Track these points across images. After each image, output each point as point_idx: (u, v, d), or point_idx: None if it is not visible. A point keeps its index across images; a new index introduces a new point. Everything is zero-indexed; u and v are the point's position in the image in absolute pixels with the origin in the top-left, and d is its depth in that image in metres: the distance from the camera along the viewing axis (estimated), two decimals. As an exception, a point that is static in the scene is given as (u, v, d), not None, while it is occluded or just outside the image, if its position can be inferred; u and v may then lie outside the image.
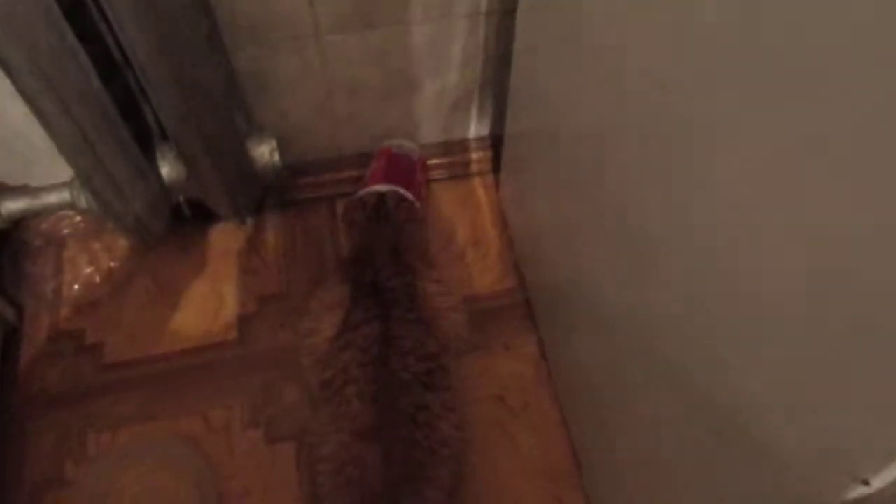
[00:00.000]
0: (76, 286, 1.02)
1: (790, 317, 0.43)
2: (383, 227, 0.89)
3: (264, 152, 0.92)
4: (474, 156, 1.16)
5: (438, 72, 1.01)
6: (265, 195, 1.01)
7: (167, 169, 0.90)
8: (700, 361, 0.56)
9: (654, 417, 0.68)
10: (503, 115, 1.11)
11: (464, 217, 1.12)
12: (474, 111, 1.10)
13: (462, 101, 1.08)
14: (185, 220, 1.02)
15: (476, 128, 1.14)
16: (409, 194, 0.96)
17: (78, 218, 1.03)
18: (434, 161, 1.14)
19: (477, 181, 1.16)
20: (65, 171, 0.90)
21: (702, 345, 0.55)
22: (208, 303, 1.02)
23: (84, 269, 1.02)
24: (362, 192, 0.97)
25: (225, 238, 1.08)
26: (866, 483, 0.38)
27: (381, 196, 0.92)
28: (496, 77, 1.05)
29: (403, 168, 1.06)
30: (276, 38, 0.90)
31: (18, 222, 0.99)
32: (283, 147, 0.96)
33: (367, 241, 0.88)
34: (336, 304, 0.83)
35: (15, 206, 0.91)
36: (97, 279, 1.02)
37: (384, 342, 0.77)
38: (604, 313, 0.79)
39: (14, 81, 0.67)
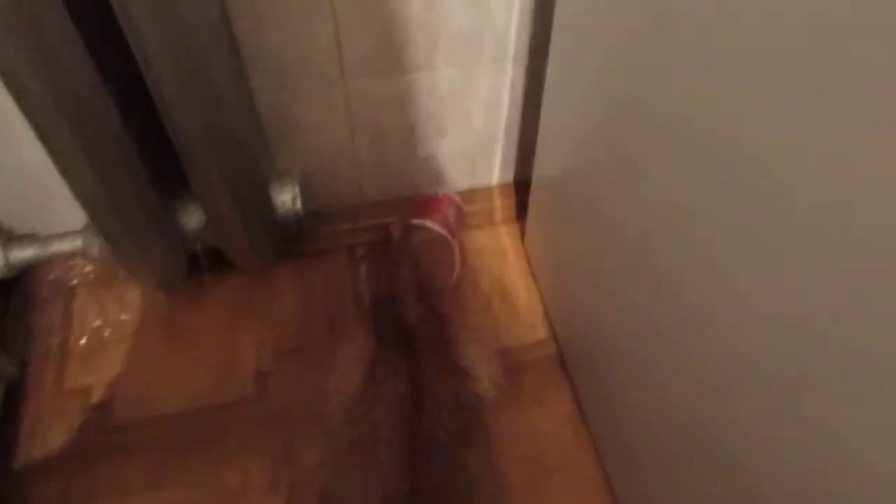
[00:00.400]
0: (84, 339, 0.97)
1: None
2: (408, 267, 0.84)
3: (286, 199, 0.88)
4: (498, 203, 1.12)
5: (464, 116, 0.99)
6: (284, 243, 0.97)
7: (186, 216, 0.87)
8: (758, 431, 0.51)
9: (702, 482, 0.63)
10: (528, 160, 1.09)
11: (489, 266, 1.07)
12: (499, 157, 1.08)
13: (487, 147, 1.05)
14: (201, 269, 0.98)
15: (500, 174, 1.11)
16: (440, 228, 0.92)
17: (88, 267, 0.99)
18: (458, 208, 1.11)
19: (502, 229, 1.13)
20: (76, 218, 0.86)
21: (758, 413, 0.50)
22: (224, 357, 0.96)
23: (93, 321, 0.97)
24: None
25: (242, 288, 1.03)
26: None
27: (410, 228, 0.88)
28: (522, 121, 1.02)
29: (438, 207, 1.03)
30: (302, 79, 0.88)
31: (26, 271, 0.94)
32: (303, 193, 0.92)
33: (391, 286, 0.83)
34: (361, 358, 0.78)
35: (23, 254, 0.86)
36: (106, 332, 0.97)
37: (416, 397, 0.72)
38: (642, 369, 0.74)
39: (32, 117, 0.63)
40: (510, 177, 1.12)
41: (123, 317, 0.99)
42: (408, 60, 0.89)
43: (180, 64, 0.65)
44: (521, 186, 1.13)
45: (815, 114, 0.39)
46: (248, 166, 0.79)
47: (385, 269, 0.85)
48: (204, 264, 0.93)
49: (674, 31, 0.54)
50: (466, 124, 1.00)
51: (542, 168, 0.95)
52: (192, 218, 0.86)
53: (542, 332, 1.00)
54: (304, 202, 0.90)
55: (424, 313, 0.79)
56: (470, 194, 1.11)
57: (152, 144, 0.79)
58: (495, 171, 1.10)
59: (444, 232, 0.94)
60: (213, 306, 1.01)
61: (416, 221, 0.92)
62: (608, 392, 0.85)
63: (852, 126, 0.37)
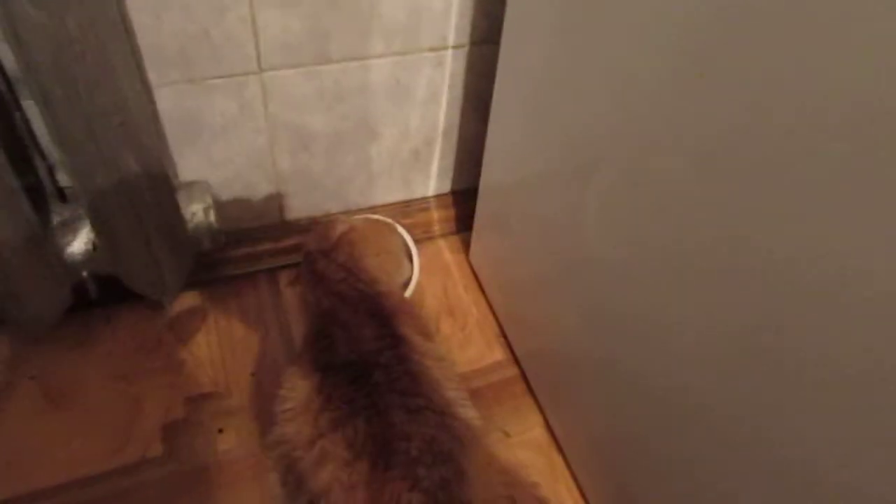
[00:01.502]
0: (-70, 404, 0.76)
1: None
2: (358, 279, 0.70)
3: (197, 210, 0.73)
4: (436, 215, 1.02)
5: (398, 116, 0.88)
6: (197, 268, 0.82)
7: (68, 236, 0.70)
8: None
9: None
10: (468, 167, 0.99)
11: (432, 284, 0.96)
12: (436, 163, 0.97)
13: (424, 152, 0.95)
14: (90, 302, 0.80)
15: (437, 183, 1.01)
16: (391, 221, 0.79)
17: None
18: (392, 223, 0.99)
19: (441, 243, 1.02)
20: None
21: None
22: (121, 411, 0.78)
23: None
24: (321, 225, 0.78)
25: (142, 325, 0.86)
26: None
27: (349, 230, 0.73)
28: (461, 121, 0.93)
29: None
30: (210, 70, 0.74)
31: None
32: (216, 205, 0.78)
33: (337, 304, 0.68)
34: (305, 404, 0.62)
35: None
36: (-38, 392, 0.77)
37: (379, 447, 0.57)
38: (616, 381, 0.66)
39: None
40: (447, 186, 1.02)
41: (-15, 371, 0.79)
42: (336, 48, 0.77)
43: (59, 40, 0.50)
44: (460, 196, 1.03)
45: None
46: (152, 172, 0.65)
47: (319, 286, 0.70)
48: (93, 295, 0.75)
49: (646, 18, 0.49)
50: (402, 125, 0.89)
51: (491, 174, 0.85)
52: (75, 236, 0.69)
53: (499, 353, 0.89)
54: (218, 215, 0.76)
55: (377, 336, 0.65)
56: (404, 207, 1.00)
57: (21, 145, 0.63)
58: (432, 179, 1.00)
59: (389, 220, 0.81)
60: (105, 348, 0.83)
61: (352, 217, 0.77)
62: (581, 414, 0.75)
63: None
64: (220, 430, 0.78)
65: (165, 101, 0.74)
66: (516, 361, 0.88)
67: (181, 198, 0.72)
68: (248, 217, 0.92)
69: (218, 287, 0.92)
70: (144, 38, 0.68)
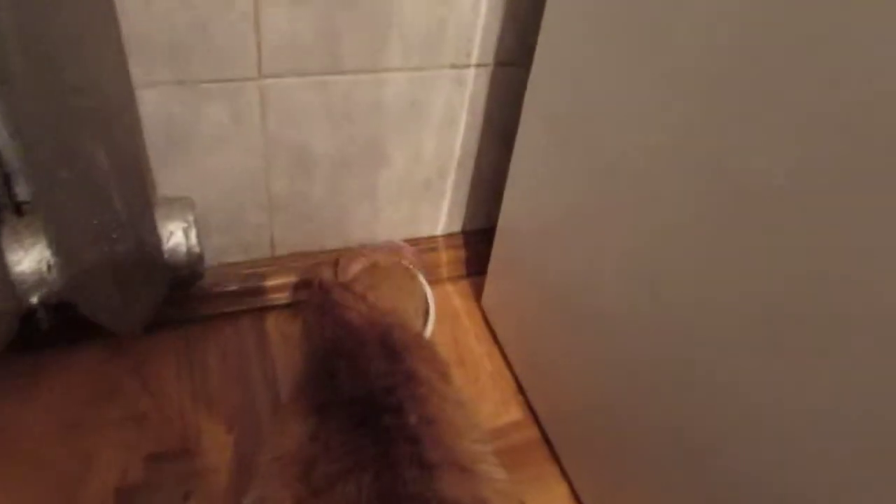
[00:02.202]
0: None
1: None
2: (371, 308, 0.59)
3: (175, 231, 0.63)
4: (444, 256, 0.91)
5: (411, 139, 0.79)
6: (168, 301, 0.70)
7: (18, 253, 0.58)
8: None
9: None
10: (482, 203, 0.90)
11: (441, 331, 0.85)
12: (447, 197, 0.88)
13: (435, 183, 0.85)
14: (39, 335, 0.67)
15: (447, 221, 0.91)
16: (406, 255, 0.70)
17: None
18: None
19: (449, 288, 0.91)
20: None
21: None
22: (66, 469, 0.65)
23: None
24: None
25: (100, 366, 0.73)
26: None
27: (372, 266, 0.65)
28: (479, 150, 0.84)
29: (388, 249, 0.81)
30: (205, 73, 0.65)
31: None
32: (199, 228, 0.67)
33: (343, 334, 0.57)
34: (296, 453, 0.51)
35: None
36: None
37: None
38: (656, 449, 0.56)
39: None
40: (458, 225, 0.93)
41: None
42: (348, 56, 0.69)
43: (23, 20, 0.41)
44: (471, 237, 0.93)
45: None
46: (123, 171, 0.54)
47: (326, 316, 0.60)
48: (44, 327, 0.63)
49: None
50: (415, 150, 0.80)
51: (512, 212, 0.77)
52: (28, 255, 0.57)
53: (516, 411, 0.77)
54: (200, 237, 0.65)
55: (388, 371, 0.54)
56: (411, 245, 0.90)
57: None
58: (442, 215, 0.90)
59: (405, 263, 0.72)
60: (53, 394, 0.70)
61: (362, 248, 0.69)
62: (615, 485, 0.63)
63: None
64: (187, 496, 0.65)
65: (149, 104, 0.64)
66: (536, 421, 0.76)
67: (158, 214, 0.61)
68: (234, 249, 0.82)
69: (194, 327, 0.79)
70: (129, 25, 0.59)
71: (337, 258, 0.68)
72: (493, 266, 0.84)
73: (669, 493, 0.56)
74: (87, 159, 0.49)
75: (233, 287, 0.81)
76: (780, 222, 0.41)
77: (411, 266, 0.72)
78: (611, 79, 0.55)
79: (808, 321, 0.40)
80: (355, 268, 0.65)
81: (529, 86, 0.67)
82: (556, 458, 0.73)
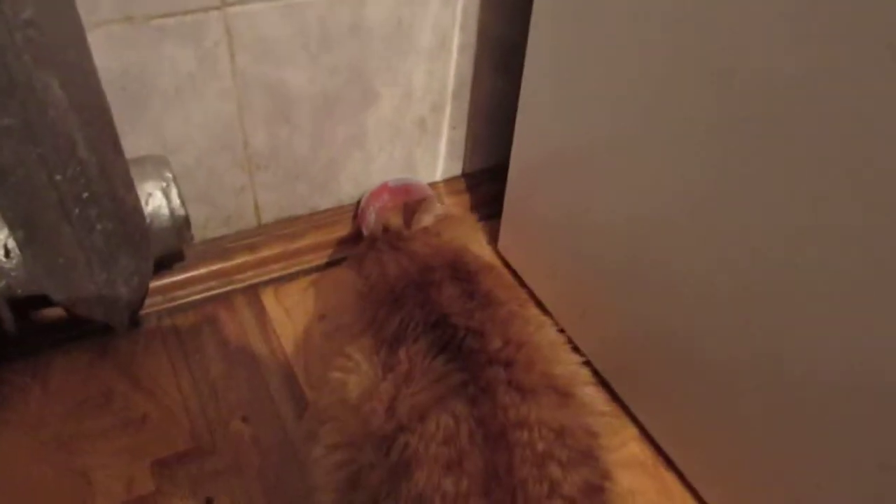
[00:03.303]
0: None
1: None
2: (433, 239, 0.53)
3: (154, 193, 0.53)
4: (448, 202, 0.83)
5: (400, 69, 0.70)
6: (150, 288, 0.60)
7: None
8: None
9: None
10: (483, 139, 0.82)
11: (458, 283, 0.76)
12: (444, 136, 0.79)
13: (429, 121, 0.77)
14: (6, 342, 0.57)
15: (445, 164, 0.83)
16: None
17: None
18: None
19: (459, 236, 0.83)
20: None
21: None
22: (61, 493, 0.54)
23: None
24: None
25: (83, 371, 0.62)
26: None
27: (420, 201, 0.58)
28: (476, 76, 0.76)
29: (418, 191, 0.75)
30: (158, 6, 0.55)
31: None
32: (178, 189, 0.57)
33: (409, 265, 0.51)
34: (371, 388, 0.44)
35: None
36: None
37: (493, 437, 0.39)
38: (714, 369, 0.50)
39: None
40: (458, 167, 0.84)
41: None
42: (321, -29, 0.59)
43: None
44: (473, 179, 0.85)
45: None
46: (84, 105, 0.43)
47: (389, 253, 0.53)
48: (11, 331, 0.52)
49: None
50: (404, 82, 0.71)
51: (526, 149, 0.69)
52: (-23, 238, 0.47)
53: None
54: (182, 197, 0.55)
55: (463, 293, 0.47)
56: (409, 195, 0.81)
57: None
58: (440, 159, 0.81)
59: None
60: (33, 410, 0.59)
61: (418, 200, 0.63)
62: (685, 413, 0.56)
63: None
64: (210, 501, 0.55)
65: (96, 51, 0.54)
66: (586, 362, 0.68)
67: (135, 178, 0.51)
68: (215, 221, 0.72)
69: (182, 315, 0.69)
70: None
71: (403, 202, 0.61)
72: (507, 208, 0.75)
73: (743, 412, 0.50)
74: (40, 93, 0.39)
75: (220, 265, 0.72)
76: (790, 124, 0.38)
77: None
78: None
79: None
80: (427, 219, 0.58)
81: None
82: (617, 397, 0.65)
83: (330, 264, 0.77)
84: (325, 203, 0.77)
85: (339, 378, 0.46)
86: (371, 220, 0.73)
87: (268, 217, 0.74)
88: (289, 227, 0.75)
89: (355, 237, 0.78)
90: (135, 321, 0.63)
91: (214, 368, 0.65)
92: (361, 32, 0.65)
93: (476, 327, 0.44)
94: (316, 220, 0.77)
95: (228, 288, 0.72)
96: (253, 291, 0.73)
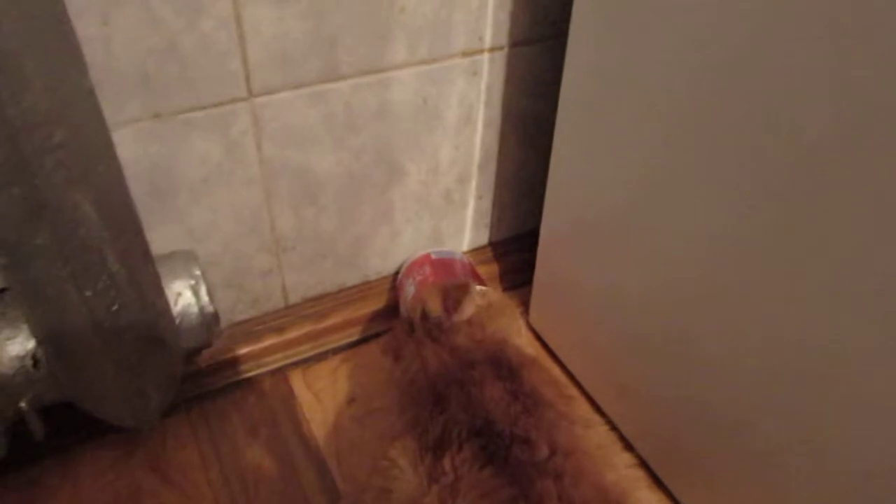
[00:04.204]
0: None
1: None
2: (476, 331, 0.52)
3: (183, 292, 0.52)
4: (480, 270, 0.81)
5: (426, 146, 0.69)
6: (184, 379, 0.59)
7: (-8, 347, 0.47)
8: None
9: None
10: (510, 208, 0.81)
11: (490, 358, 0.74)
12: (471, 207, 0.78)
13: (455, 192, 0.76)
14: (35, 447, 0.55)
15: (472, 236, 0.81)
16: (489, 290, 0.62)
17: None
18: (424, 289, 0.78)
19: (488, 307, 0.81)
20: None
21: None
22: None
23: None
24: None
25: (112, 469, 0.61)
26: None
27: (461, 288, 0.57)
28: (502, 148, 0.75)
29: (458, 273, 0.73)
30: (184, 101, 0.55)
31: None
32: (207, 286, 0.56)
33: (450, 361, 0.49)
34: (416, 497, 0.42)
35: None
36: None
37: None
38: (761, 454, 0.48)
39: None
40: (485, 237, 0.83)
41: None
42: (346, 56, 0.59)
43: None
44: (500, 248, 0.83)
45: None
46: (114, 218, 0.43)
47: (427, 346, 0.52)
48: (39, 437, 0.51)
49: None
50: (431, 158, 0.71)
51: (556, 218, 0.67)
52: (6, 348, 0.46)
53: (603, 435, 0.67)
54: (210, 296, 0.54)
55: (507, 394, 0.45)
56: (437, 267, 0.80)
57: None
58: (467, 229, 0.80)
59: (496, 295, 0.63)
60: (59, 514, 0.58)
61: (461, 282, 0.61)
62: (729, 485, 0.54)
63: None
64: None
65: (123, 149, 0.54)
66: (629, 446, 0.66)
67: (162, 276, 0.50)
68: (243, 304, 0.71)
69: (209, 403, 0.68)
70: (89, 57, 0.48)
71: (442, 287, 0.59)
72: (538, 278, 0.74)
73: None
74: (70, 212, 0.38)
75: (247, 349, 0.70)
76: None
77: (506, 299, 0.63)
78: (670, 47, 0.46)
79: None
80: (468, 307, 0.56)
81: (567, 63, 0.58)
82: (659, 481, 0.63)
83: (359, 342, 0.76)
84: (352, 279, 0.76)
85: (382, 486, 0.44)
86: (409, 292, 0.71)
87: (295, 297, 0.73)
88: (316, 305, 0.74)
89: (391, 310, 0.76)
90: (167, 410, 0.62)
91: (244, 459, 0.63)
92: (387, 112, 0.65)
93: (522, 434, 0.42)
94: (343, 297, 0.75)
95: (256, 372, 0.71)
96: (281, 374, 0.72)
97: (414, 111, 0.66)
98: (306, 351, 0.73)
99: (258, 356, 0.71)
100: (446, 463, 0.42)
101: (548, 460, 0.41)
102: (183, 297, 0.51)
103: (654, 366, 0.59)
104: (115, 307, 0.42)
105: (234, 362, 0.70)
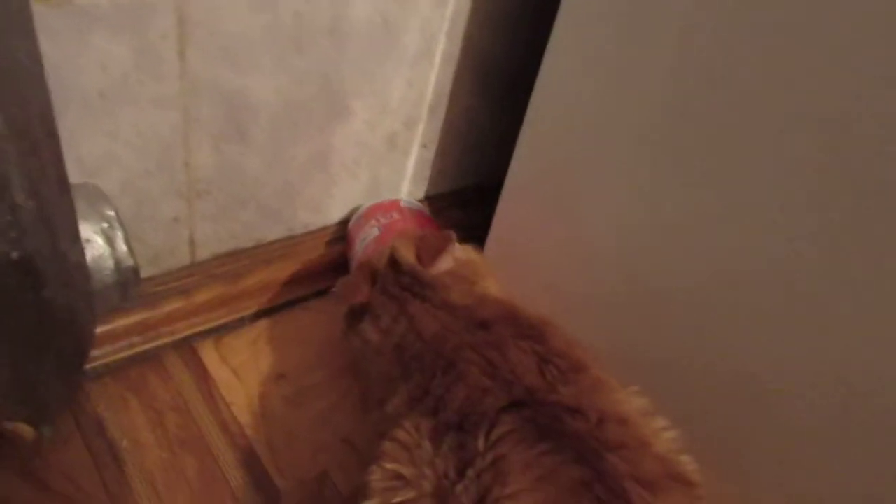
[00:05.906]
0: None
1: None
2: (471, 287, 0.44)
3: (93, 237, 0.38)
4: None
5: (378, 79, 0.59)
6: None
7: None
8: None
9: None
10: (453, 162, 0.73)
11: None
12: (413, 156, 0.69)
13: (400, 137, 0.66)
14: None
15: (411, 188, 0.72)
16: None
17: None
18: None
19: (425, 270, 0.72)
20: None
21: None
22: None
23: None
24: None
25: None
26: None
27: (443, 238, 0.48)
28: (454, 91, 0.66)
29: (429, 227, 0.64)
30: (89, -23, 0.40)
31: None
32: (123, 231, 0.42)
33: (451, 322, 0.42)
34: (442, 492, 0.34)
35: None
36: None
37: None
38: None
39: None
40: (421, 190, 0.74)
41: None
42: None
43: None
44: (435, 204, 0.75)
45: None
46: (28, 141, 0.29)
47: (411, 304, 0.42)
48: None
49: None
50: (382, 95, 0.60)
51: (526, 170, 0.59)
52: None
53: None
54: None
55: (538, 358, 0.38)
56: (371, 223, 0.69)
57: None
58: (405, 181, 0.70)
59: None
60: None
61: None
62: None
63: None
64: None
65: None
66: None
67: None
68: (141, 260, 0.56)
69: (98, 384, 0.53)
70: None
71: (421, 235, 0.49)
72: (495, 234, 0.66)
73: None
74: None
75: (144, 315, 0.56)
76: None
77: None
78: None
79: None
80: (447, 262, 0.47)
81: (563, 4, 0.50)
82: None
83: (282, 307, 0.64)
84: (273, 234, 0.64)
85: (394, 475, 0.35)
86: (371, 235, 0.61)
87: (204, 253, 0.60)
88: (229, 263, 0.61)
89: (322, 269, 0.65)
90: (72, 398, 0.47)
91: (150, 456, 0.50)
92: (341, 32, 0.53)
93: (569, 403, 0.35)
94: (262, 253, 0.63)
95: (156, 343, 0.57)
96: (188, 346, 0.58)
97: (370, 31, 0.55)
98: (218, 318, 0.60)
99: (158, 324, 0.57)
100: (480, 441, 0.34)
101: (602, 431, 0.35)
102: (92, 244, 0.37)
103: (619, 320, 0.55)
104: (14, 254, 0.28)
105: (128, 332, 0.56)
